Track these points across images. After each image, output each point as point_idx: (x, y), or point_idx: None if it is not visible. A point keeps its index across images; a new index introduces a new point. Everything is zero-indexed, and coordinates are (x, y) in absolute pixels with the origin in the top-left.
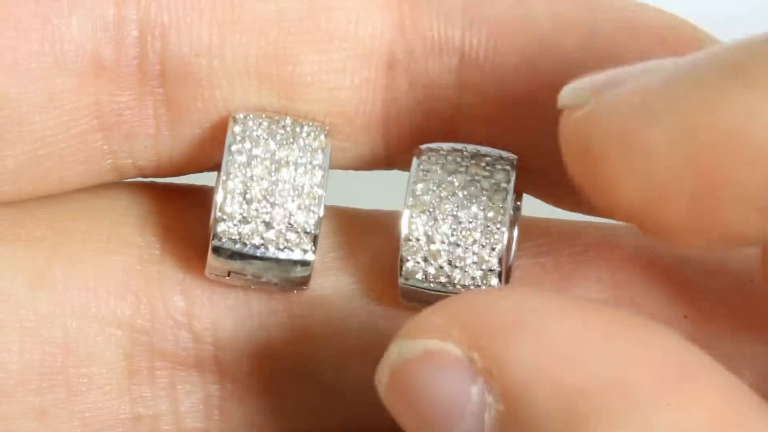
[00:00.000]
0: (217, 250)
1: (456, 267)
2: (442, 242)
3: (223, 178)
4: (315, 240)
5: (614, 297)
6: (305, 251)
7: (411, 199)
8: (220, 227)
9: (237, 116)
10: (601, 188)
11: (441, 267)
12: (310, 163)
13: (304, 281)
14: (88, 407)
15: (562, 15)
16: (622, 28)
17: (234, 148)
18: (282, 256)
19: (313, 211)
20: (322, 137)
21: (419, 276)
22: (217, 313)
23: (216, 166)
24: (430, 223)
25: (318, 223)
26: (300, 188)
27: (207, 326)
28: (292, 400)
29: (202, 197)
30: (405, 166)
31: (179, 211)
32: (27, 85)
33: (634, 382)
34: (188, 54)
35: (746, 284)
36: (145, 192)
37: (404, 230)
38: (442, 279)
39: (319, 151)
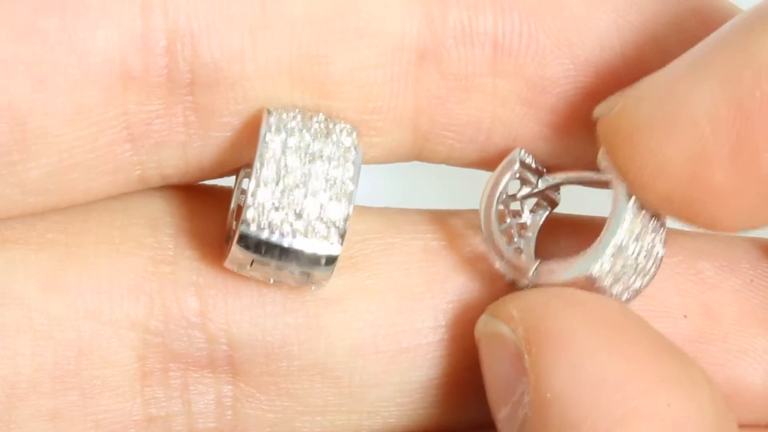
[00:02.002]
0: (244, 237)
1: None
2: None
3: (257, 165)
4: (343, 235)
5: None
6: (332, 244)
7: None
8: (250, 213)
9: (271, 109)
10: (646, 166)
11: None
12: (344, 157)
13: (325, 276)
14: (102, 409)
15: None
16: (651, 2)
17: (268, 137)
18: (308, 247)
19: (344, 206)
20: (355, 135)
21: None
22: (231, 313)
23: (246, 166)
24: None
25: (347, 218)
26: (332, 181)
27: (221, 326)
28: (306, 399)
29: (213, 197)
30: (431, 156)
31: (191, 211)
32: (53, 98)
33: None
34: (220, 60)
35: (758, 281)
36: (156, 192)
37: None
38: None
39: (353, 148)
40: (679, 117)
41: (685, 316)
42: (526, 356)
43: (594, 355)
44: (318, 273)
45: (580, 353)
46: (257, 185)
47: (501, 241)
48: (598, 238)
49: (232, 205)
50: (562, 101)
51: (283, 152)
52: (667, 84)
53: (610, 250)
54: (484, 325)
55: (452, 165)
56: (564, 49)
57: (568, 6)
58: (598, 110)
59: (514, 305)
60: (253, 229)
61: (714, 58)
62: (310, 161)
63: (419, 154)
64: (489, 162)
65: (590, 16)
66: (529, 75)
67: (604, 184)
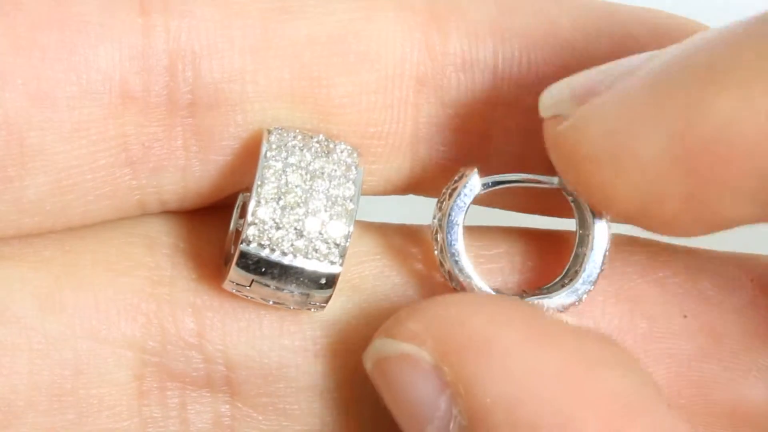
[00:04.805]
0: (244, 256)
1: None
2: None
3: (258, 183)
4: (344, 254)
5: (629, 310)
6: (333, 263)
7: None
8: (251, 231)
9: (271, 128)
10: (596, 194)
11: None
12: (344, 176)
13: (324, 299)
14: (99, 429)
15: (587, 24)
16: (648, 32)
17: (269, 154)
18: (309, 266)
19: (345, 225)
20: (355, 155)
21: None
22: (228, 335)
23: (245, 191)
24: None
25: (348, 237)
26: (333, 199)
27: (218, 347)
28: (304, 419)
29: (211, 218)
30: (428, 188)
31: (188, 231)
32: (51, 113)
33: (583, 423)
34: (221, 80)
35: (760, 299)
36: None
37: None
38: None
39: (353, 167)
40: (627, 159)
41: (685, 316)
42: (445, 368)
43: (522, 350)
44: (318, 294)
45: (508, 352)
46: (258, 203)
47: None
48: (578, 265)
49: (231, 228)
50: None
51: (284, 170)
52: (616, 115)
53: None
54: (379, 350)
55: None
56: (563, 77)
57: (566, 35)
58: (545, 104)
59: (412, 321)
60: (253, 247)
61: (664, 106)
62: (311, 179)
63: (417, 185)
64: (486, 197)
65: (587, 45)
66: (529, 103)
67: (548, 189)
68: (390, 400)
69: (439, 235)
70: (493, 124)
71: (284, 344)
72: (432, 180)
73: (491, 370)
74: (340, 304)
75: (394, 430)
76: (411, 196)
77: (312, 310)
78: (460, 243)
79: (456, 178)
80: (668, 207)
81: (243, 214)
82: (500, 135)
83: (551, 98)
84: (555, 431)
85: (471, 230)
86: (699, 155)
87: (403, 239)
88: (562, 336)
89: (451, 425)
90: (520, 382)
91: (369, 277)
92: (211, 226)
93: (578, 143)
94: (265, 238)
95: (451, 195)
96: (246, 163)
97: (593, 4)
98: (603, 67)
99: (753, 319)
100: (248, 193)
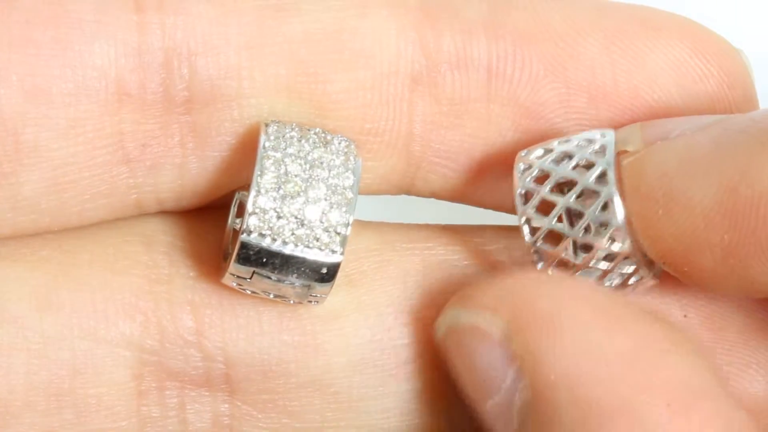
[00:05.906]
0: (245, 247)
1: None
2: None
3: (257, 173)
4: (344, 242)
5: None
6: (334, 252)
7: None
8: (252, 220)
9: (268, 121)
10: (646, 229)
11: None
12: (344, 165)
13: (325, 290)
14: (96, 428)
15: (580, 21)
16: (640, 28)
17: (268, 144)
18: (311, 255)
19: (345, 214)
20: (353, 147)
21: None
22: (227, 331)
23: (242, 189)
24: None
25: (348, 226)
26: (333, 188)
27: (217, 345)
28: (304, 416)
29: (208, 216)
30: (423, 186)
31: (185, 230)
32: (47, 110)
33: (644, 407)
34: (217, 77)
35: None
36: None
37: None
38: None
39: (352, 157)
40: (678, 201)
41: (685, 316)
42: (514, 342)
43: (590, 331)
44: (319, 286)
45: (575, 331)
46: (258, 193)
47: None
48: None
49: (228, 226)
50: (554, 128)
51: (283, 160)
52: (678, 159)
53: None
54: (451, 319)
55: (445, 198)
56: (557, 74)
57: (559, 32)
58: (621, 142)
59: (485, 294)
60: (254, 237)
61: (724, 160)
62: (310, 168)
63: (411, 184)
64: (481, 197)
65: (580, 41)
66: (523, 100)
67: None
68: (459, 368)
69: (601, 192)
70: (489, 122)
71: (284, 340)
72: (428, 176)
73: (557, 347)
74: (339, 298)
75: (391, 423)
76: (404, 197)
77: (312, 302)
78: None
79: (597, 135)
80: (708, 257)
81: (240, 212)
82: (496, 133)
83: (623, 135)
84: (616, 413)
85: (469, 228)
86: (746, 211)
87: (401, 236)
88: (630, 320)
89: (516, 397)
90: (585, 361)
91: (368, 271)
92: (208, 224)
93: (638, 178)
94: (266, 228)
95: (600, 151)
96: (242, 159)
97: (585, 0)
98: (677, 119)
99: (754, 312)
100: (245, 192)
